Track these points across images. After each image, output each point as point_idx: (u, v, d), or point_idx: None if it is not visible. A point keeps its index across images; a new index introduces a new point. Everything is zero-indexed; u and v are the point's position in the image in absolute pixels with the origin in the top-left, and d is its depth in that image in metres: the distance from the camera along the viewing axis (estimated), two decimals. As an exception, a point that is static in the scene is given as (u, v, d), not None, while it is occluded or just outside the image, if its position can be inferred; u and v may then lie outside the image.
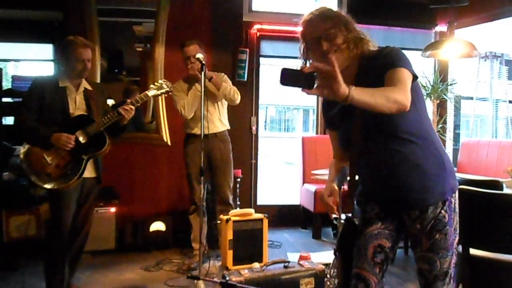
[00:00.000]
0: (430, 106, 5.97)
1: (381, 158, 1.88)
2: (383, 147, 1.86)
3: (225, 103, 4.18)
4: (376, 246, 1.94)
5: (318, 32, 1.86)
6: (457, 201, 1.92)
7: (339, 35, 1.84)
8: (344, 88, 1.55)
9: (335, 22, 1.86)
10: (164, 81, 3.48)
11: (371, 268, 1.92)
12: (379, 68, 1.79)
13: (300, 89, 1.57)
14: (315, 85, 1.55)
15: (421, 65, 6.24)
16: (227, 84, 4.03)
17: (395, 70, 1.76)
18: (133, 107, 3.20)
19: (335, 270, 3.23)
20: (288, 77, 1.59)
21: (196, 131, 3.99)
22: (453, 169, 1.96)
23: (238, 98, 4.07)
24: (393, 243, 1.98)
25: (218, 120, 4.14)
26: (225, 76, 4.16)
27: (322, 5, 1.94)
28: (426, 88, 5.83)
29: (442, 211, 1.86)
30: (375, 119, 1.81)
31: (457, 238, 1.92)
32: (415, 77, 1.81)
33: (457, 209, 1.92)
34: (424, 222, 1.87)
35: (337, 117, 2.01)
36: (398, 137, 1.83)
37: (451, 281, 1.91)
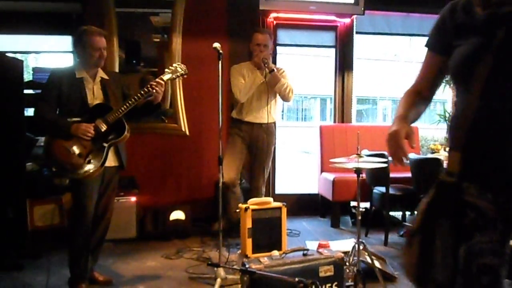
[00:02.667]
0: (449, 93, 5.90)
1: None
2: None
3: (279, 99, 4.27)
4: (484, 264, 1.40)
5: None
6: None
7: None
8: None
9: None
10: (178, 64, 3.44)
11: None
12: None
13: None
14: None
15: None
16: (285, 81, 4.11)
17: None
18: (161, 82, 3.23)
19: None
20: None
21: (247, 118, 4.17)
22: None
23: (292, 97, 4.20)
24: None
25: (267, 112, 4.21)
26: (285, 72, 4.26)
27: None
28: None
29: None
30: None
31: None
32: None
33: None
34: None
35: (468, 39, 1.49)
36: None
37: None
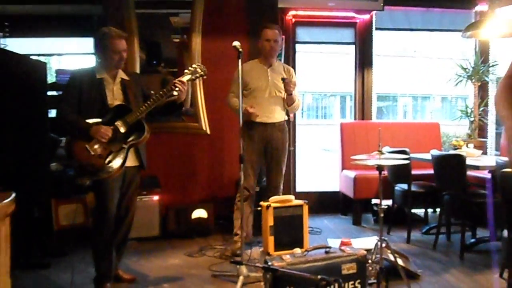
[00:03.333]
0: (471, 89, 5.83)
1: None
2: None
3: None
4: None
5: None
6: None
7: None
8: None
9: None
10: (198, 65, 3.44)
11: None
12: None
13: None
14: None
15: (461, 46, 6.08)
16: (298, 101, 4.16)
17: None
18: (184, 81, 3.26)
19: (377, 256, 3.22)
20: None
21: (258, 119, 4.09)
22: None
23: (297, 112, 4.28)
24: None
25: (279, 112, 4.20)
26: (294, 76, 4.31)
27: None
28: (467, 70, 5.69)
29: None
30: None
31: None
32: None
33: None
34: None
35: None
36: None
37: None
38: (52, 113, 4.91)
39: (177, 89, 3.23)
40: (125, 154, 3.18)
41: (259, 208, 3.78)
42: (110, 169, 3.13)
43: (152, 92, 3.44)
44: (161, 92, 3.22)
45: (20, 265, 3.70)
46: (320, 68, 15.60)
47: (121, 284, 3.49)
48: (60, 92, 4.91)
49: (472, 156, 4.39)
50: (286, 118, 4.32)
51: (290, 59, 5.59)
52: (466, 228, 4.19)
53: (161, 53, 5.39)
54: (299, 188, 5.82)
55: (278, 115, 4.18)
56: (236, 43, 3.64)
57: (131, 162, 3.30)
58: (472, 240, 4.38)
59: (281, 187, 4.30)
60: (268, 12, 5.33)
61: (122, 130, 3.15)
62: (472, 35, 4.92)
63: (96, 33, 3.34)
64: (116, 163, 3.14)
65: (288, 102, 4.11)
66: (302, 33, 5.76)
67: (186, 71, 3.42)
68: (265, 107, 4.12)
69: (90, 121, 3.13)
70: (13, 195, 2.21)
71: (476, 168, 3.98)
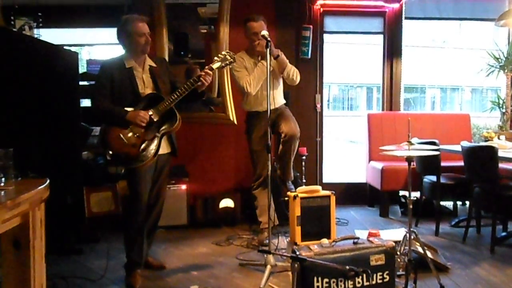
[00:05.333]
0: (503, 80, 5.70)
1: None
2: None
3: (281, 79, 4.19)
4: None
5: None
6: None
7: None
8: None
9: None
10: (227, 52, 3.45)
11: None
12: None
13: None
14: None
15: (494, 36, 5.94)
16: (292, 66, 4.04)
17: None
18: (210, 72, 3.28)
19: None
20: None
21: (261, 108, 4.04)
22: None
23: (298, 79, 4.10)
24: None
25: (279, 96, 4.17)
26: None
27: None
28: (500, 60, 5.56)
29: None
30: None
31: None
32: None
33: None
34: None
35: None
36: None
37: None
38: (84, 102, 5.01)
39: (204, 80, 3.25)
40: (158, 142, 3.22)
41: (286, 198, 3.79)
42: (143, 158, 3.17)
43: (177, 80, 3.48)
44: (191, 81, 3.24)
45: (54, 250, 3.78)
46: (346, 59, 15.45)
47: (151, 271, 3.56)
48: (92, 82, 4.99)
49: (504, 148, 4.30)
50: (285, 101, 4.25)
51: (317, 50, 5.55)
52: (497, 221, 4.12)
53: (189, 44, 5.40)
54: (326, 179, 5.80)
55: (279, 100, 4.13)
56: (264, 33, 3.62)
57: (163, 149, 3.33)
58: (503, 234, 4.30)
59: (292, 171, 4.24)
60: (296, 2, 5.32)
61: (155, 118, 3.19)
62: (506, 24, 4.82)
63: (118, 22, 3.34)
64: (150, 152, 3.18)
65: (280, 69, 3.96)
66: (330, 23, 5.70)
67: (215, 58, 3.44)
68: (265, 96, 3.99)
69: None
70: (48, 181, 2.26)
71: (509, 160, 3.91)
